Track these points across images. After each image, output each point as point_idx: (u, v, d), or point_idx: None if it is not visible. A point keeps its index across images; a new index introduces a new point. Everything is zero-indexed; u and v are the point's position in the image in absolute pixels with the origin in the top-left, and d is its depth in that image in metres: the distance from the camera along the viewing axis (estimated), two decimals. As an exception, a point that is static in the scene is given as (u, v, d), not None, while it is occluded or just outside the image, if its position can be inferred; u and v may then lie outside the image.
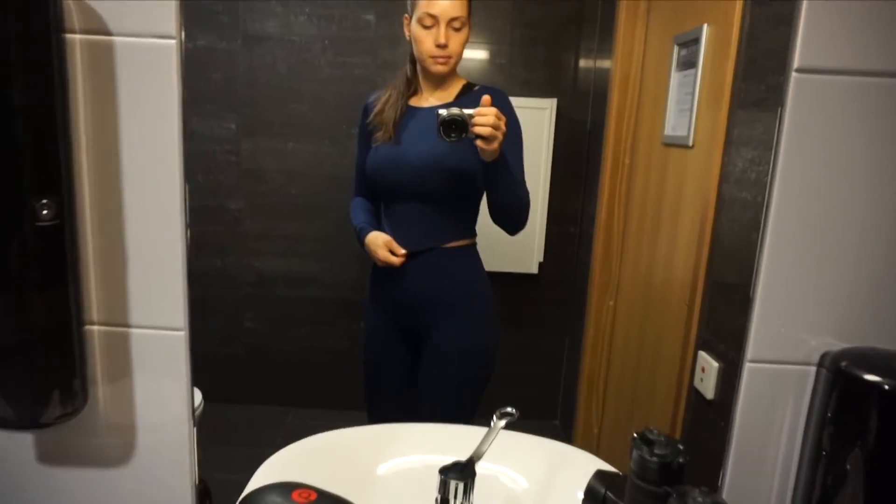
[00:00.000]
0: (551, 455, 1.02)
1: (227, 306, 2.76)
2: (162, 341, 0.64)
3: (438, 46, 1.41)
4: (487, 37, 2.56)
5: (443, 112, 1.29)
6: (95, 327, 0.63)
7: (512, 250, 2.48)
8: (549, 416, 2.83)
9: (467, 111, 1.28)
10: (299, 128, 2.60)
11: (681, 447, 0.68)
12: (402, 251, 1.51)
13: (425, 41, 1.42)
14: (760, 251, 0.65)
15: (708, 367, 1.31)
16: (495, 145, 1.29)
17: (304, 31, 2.55)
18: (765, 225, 0.65)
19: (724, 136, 1.31)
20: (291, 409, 2.80)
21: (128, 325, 0.63)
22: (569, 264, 2.69)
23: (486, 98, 1.28)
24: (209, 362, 2.80)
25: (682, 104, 1.73)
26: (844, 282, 0.65)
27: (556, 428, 2.78)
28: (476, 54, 2.57)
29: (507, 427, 0.87)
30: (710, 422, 1.29)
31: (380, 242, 1.52)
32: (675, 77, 1.80)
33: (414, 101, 1.54)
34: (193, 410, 0.67)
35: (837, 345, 0.63)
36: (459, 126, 1.28)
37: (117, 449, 0.64)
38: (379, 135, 1.52)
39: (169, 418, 0.66)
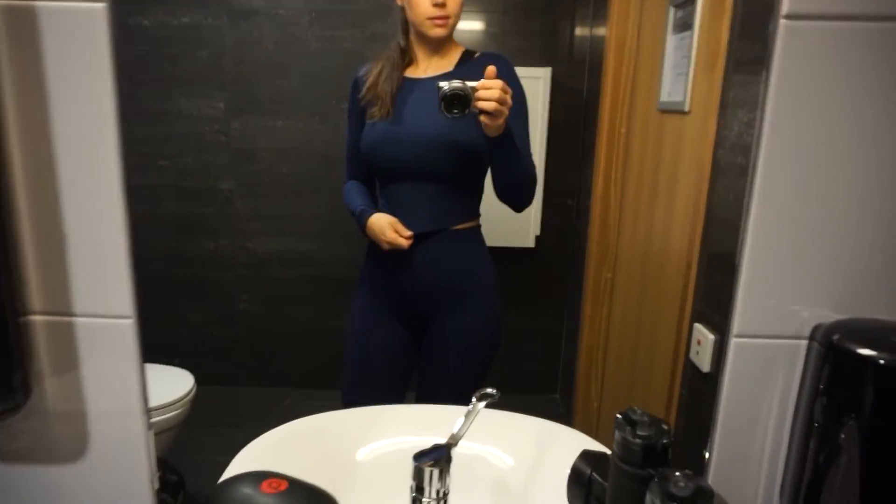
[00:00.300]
0: (539, 433, 0.99)
1: (223, 289, 2.74)
2: (109, 330, 0.60)
3: (436, 6, 1.31)
4: (480, 5, 2.48)
5: (443, 85, 1.19)
6: (37, 317, 0.59)
7: (508, 224, 2.44)
8: (548, 390, 2.82)
9: (470, 83, 1.18)
10: (289, 105, 2.55)
11: (665, 427, 0.65)
12: (409, 232, 1.41)
13: (421, 2, 1.32)
14: (746, 216, 0.60)
15: (704, 340, 1.27)
16: (501, 120, 1.20)
17: (291, 4, 2.48)
18: (751, 187, 0.61)
19: (719, 99, 1.25)
20: (290, 390, 2.80)
21: (72, 314, 0.59)
22: (566, 237, 2.64)
23: (490, 69, 1.18)
24: (206, 345, 2.80)
25: (679, 68, 1.67)
26: (840, 248, 0.60)
27: (556, 402, 2.76)
28: (468, 24, 2.50)
29: (497, 406, 0.84)
30: (706, 396, 1.25)
31: (385, 224, 1.42)
32: (671, 40, 1.74)
33: (410, 72, 1.44)
34: (147, 402, 0.63)
35: (832, 316, 0.59)
36: (462, 101, 1.18)
37: (69, 444, 0.61)
38: (374, 110, 1.42)
39: (121, 411, 0.62)
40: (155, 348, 3.01)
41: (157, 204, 2.65)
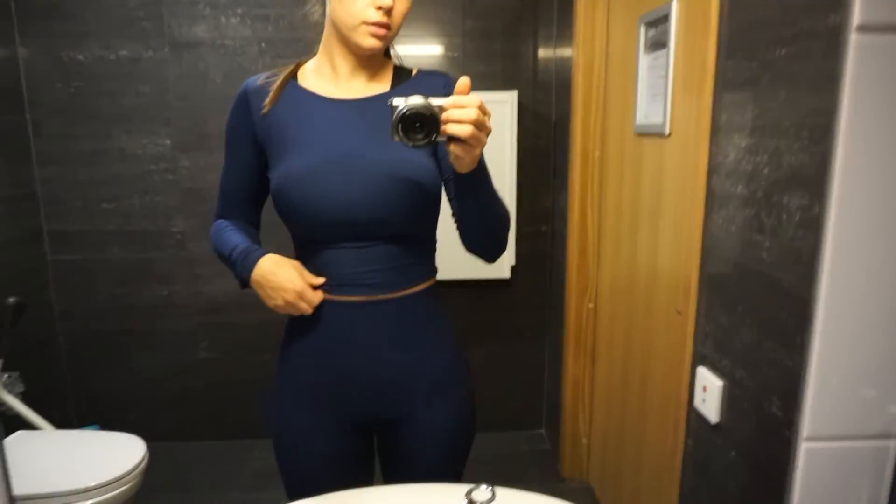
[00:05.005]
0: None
1: (178, 337, 2.54)
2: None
3: (379, 9, 1.00)
4: (438, 29, 2.38)
5: (398, 103, 0.87)
6: None
7: (499, 257, 2.31)
8: (533, 426, 2.68)
9: (435, 101, 0.87)
10: (241, 139, 2.39)
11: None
12: (320, 280, 1.06)
13: (358, 1, 1.00)
14: (814, 282, 0.47)
15: (710, 387, 1.16)
16: (477, 151, 0.90)
17: (238, 33, 2.33)
18: (819, 241, 0.48)
19: (709, 122, 1.15)
20: (256, 441, 2.60)
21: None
22: (543, 266, 2.53)
23: (464, 80, 0.87)
24: (162, 399, 2.59)
25: (655, 89, 1.58)
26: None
27: (542, 438, 2.63)
28: (427, 49, 2.39)
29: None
30: (718, 450, 1.14)
31: (291, 269, 1.04)
32: (644, 60, 1.65)
33: (327, 92, 1.10)
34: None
35: (924, 408, 0.47)
36: (427, 123, 0.86)
37: None
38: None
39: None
40: (106, 405, 2.74)
41: (101, 250, 2.45)
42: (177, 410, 2.60)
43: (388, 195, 1.02)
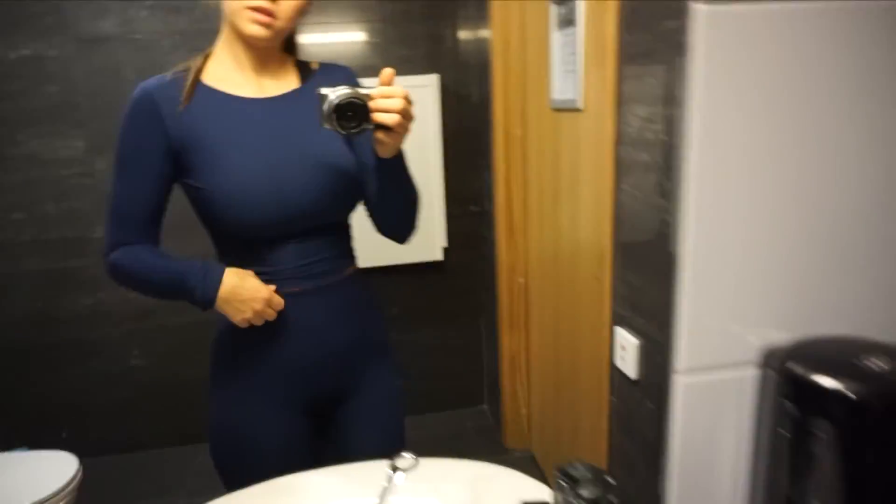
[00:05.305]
0: (474, 479, 0.89)
1: (108, 346, 2.45)
2: None
3: None
4: (358, 15, 2.37)
5: (328, 92, 0.90)
6: None
7: (412, 239, 2.33)
8: (475, 402, 2.74)
9: (363, 90, 0.92)
10: (159, 136, 2.31)
11: (610, 481, 0.56)
12: (273, 286, 1.06)
13: None
14: (675, 232, 0.52)
15: (627, 345, 1.22)
16: (402, 138, 0.96)
17: (149, 26, 2.26)
18: (679, 196, 0.52)
19: (613, 94, 1.21)
20: (199, 445, 2.54)
21: None
22: (475, 245, 2.57)
23: (388, 71, 0.92)
24: (95, 411, 2.50)
25: (567, 65, 1.63)
26: (782, 259, 0.54)
27: (485, 413, 2.69)
28: (348, 36, 2.37)
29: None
30: (638, 403, 1.20)
31: (254, 280, 1.03)
32: (556, 37, 1.70)
33: (237, 90, 1.06)
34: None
35: (780, 337, 0.52)
36: (359, 112, 0.90)
37: None
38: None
39: None
40: (35, 426, 2.62)
41: (16, 262, 2.34)
42: (110, 421, 2.52)
43: (324, 188, 1.06)
